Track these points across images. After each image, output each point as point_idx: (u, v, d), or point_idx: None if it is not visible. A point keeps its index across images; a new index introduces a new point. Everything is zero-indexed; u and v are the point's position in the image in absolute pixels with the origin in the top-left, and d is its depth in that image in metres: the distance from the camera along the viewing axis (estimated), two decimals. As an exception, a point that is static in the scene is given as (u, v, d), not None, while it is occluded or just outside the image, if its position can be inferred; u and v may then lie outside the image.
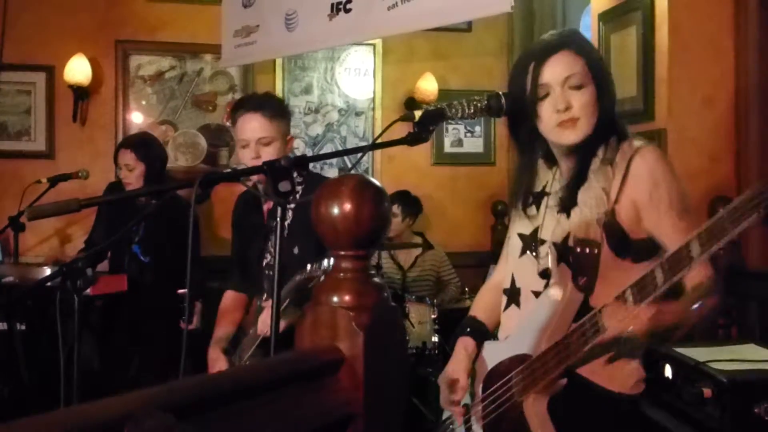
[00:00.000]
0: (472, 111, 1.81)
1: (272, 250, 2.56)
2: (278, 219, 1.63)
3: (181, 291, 3.88)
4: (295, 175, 2.46)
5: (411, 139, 1.77)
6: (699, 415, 2.18)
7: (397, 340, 1.32)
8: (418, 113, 1.77)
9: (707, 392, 2.16)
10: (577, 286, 1.78)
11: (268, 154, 2.50)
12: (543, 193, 1.94)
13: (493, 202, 5.47)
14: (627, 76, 3.43)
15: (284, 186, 1.62)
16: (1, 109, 5.08)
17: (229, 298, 2.84)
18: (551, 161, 1.96)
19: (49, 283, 3.49)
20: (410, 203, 4.89)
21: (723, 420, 2.08)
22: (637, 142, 1.83)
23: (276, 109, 2.60)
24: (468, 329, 2.02)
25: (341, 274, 1.28)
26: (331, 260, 2.05)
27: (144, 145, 3.96)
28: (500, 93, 1.83)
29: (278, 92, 5.30)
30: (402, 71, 5.51)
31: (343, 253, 1.28)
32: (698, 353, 2.41)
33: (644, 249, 1.79)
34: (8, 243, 4.52)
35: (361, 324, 1.23)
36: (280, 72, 5.40)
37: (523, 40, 5.60)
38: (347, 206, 1.25)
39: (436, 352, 4.19)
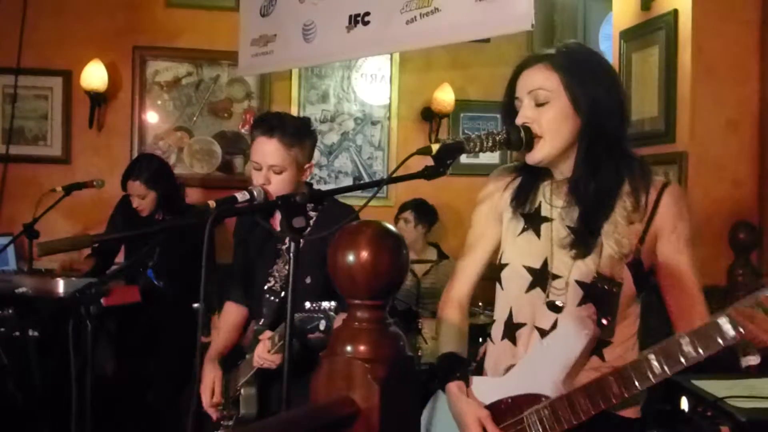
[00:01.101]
0: (490, 144, 1.78)
1: (277, 275, 2.51)
2: (291, 255, 1.60)
3: (196, 305, 3.89)
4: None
5: (428, 174, 1.74)
6: (717, 454, 2.14)
7: (413, 392, 1.29)
8: (435, 146, 1.74)
9: (725, 430, 2.12)
10: (601, 326, 1.76)
11: (279, 182, 2.40)
12: (540, 217, 1.87)
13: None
14: (648, 97, 3.39)
15: (298, 222, 1.60)
16: (18, 113, 5.09)
17: (231, 310, 2.75)
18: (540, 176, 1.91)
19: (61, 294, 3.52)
20: (424, 211, 4.87)
21: (742, 460, 2.04)
22: (657, 177, 1.82)
23: (294, 134, 2.44)
24: (457, 373, 1.92)
25: (357, 324, 1.26)
26: (332, 303, 2.04)
27: (149, 171, 3.98)
28: (520, 126, 1.80)
29: (294, 100, 5.30)
30: (419, 80, 5.48)
31: (359, 302, 1.26)
32: (717, 387, 2.36)
33: (650, 282, 1.85)
34: (23, 249, 4.52)
35: (377, 377, 1.21)
36: (296, 80, 5.38)
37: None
38: (364, 255, 1.22)
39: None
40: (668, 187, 1.79)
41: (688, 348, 1.55)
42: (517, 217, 1.92)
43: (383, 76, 5.50)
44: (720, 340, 1.53)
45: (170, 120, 5.28)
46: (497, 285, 1.97)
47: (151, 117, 5.25)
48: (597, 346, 1.79)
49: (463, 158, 5.73)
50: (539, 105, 1.79)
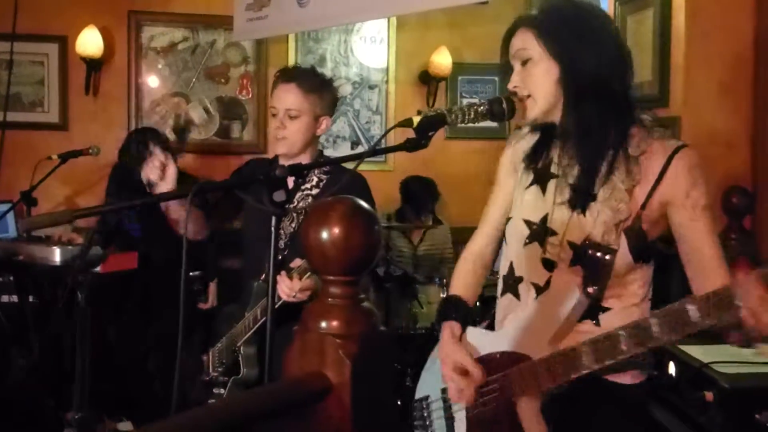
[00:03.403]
0: (473, 116, 1.77)
1: (282, 232, 2.52)
2: (273, 228, 1.61)
3: (192, 273, 3.92)
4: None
5: (410, 146, 1.74)
6: (701, 419, 2.17)
7: (385, 367, 1.31)
8: (416, 119, 1.74)
9: (709, 396, 2.14)
10: (586, 294, 1.74)
11: (294, 127, 2.47)
12: (548, 174, 1.85)
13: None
14: (643, 61, 3.35)
15: (279, 196, 1.60)
16: (15, 79, 5.06)
17: None
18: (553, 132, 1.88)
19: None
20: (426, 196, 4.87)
21: (725, 426, 2.06)
22: (671, 141, 1.74)
23: (313, 83, 2.51)
24: (454, 314, 1.94)
25: (330, 300, 1.27)
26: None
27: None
28: (503, 97, 1.79)
29: (291, 64, 5.25)
30: (416, 43, 5.43)
31: (332, 278, 1.27)
32: (703, 352, 2.38)
33: (653, 250, 1.78)
34: (22, 216, 4.54)
35: (349, 352, 1.22)
36: (293, 44, 5.35)
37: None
38: (336, 231, 1.23)
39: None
40: (680, 151, 1.70)
41: (656, 329, 1.52)
42: (528, 172, 1.91)
43: (382, 38, 5.46)
44: (687, 328, 1.48)
45: (167, 85, 5.26)
46: (503, 239, 1.97)
47: (148, 83, 5.23)
48: (592, 311, 1.75)
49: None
50: (524, 66, 1.79)
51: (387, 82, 5.47)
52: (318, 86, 2.53)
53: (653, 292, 1.84)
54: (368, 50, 5.47)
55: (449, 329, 1.92)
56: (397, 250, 4.78)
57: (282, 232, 2.51)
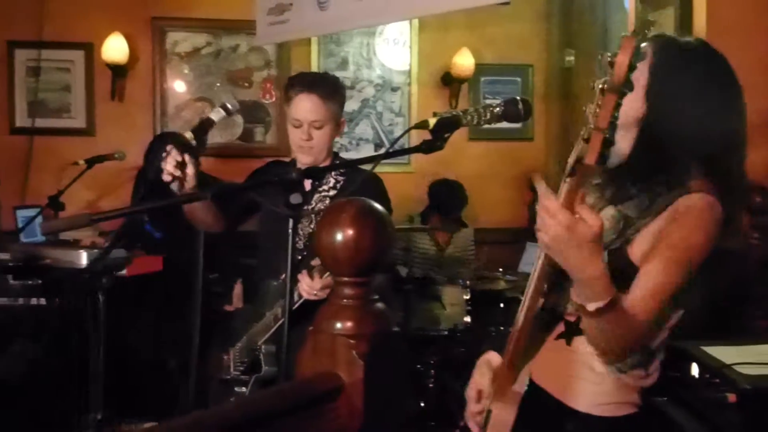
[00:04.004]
0: (488, 117, 1.78)
1: (300, 233, 2.55)
2: (290, 231, 1.63)
3: (211, 275, 3.95)
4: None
5: (425, 148, 1.75)
6: (721, 421, 2.14)
7: (397, 368, 1.32)
8: (432, 120, 1.75)
9: (731, 398, 2.11)
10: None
11: (321, 137, 2.51)
12: None
13: (530, 178, 5.41)
14: (663, 59, 3.33)
15: (295, 198, 1.62)
16: (42, 86, 5.15)
17: None
18: None
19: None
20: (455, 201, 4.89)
21: (744, 428, 2.04)
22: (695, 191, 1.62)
23: (331, 90, 2.55)
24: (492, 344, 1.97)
25: (342, 301, 1.28)
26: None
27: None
28: (518, 98, 1.79)
29: (313, 68, 5.28)
30: (438, 44, 5.44)
31: (344, 279, 1.28)
32: (727, 353, 2.35)
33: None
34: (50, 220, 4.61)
35: (361, 352, 1.23)
36: (315, 47, 5.37)
37: (561, 10, 5.48)
38: (347, 233, 1.25)
39: (468, 333, 4.19)
40: (691, 193, 1.59)
41: None
42: None
43: (404, 41, 5.47)
44: None
45: (191, 90, 5.31)
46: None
47: (172, 88, 5.29)
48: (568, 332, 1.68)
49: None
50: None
51: (409, 84, 5.48)
52: (335, 92, 2.57)
53: None
54: (390, 53, 5.48)
55: (487, 357, 1.92)
56: (421, 251, 4.79)
57: (300, 233, 2.54)
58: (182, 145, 1.96)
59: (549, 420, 1.73)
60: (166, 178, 2.03)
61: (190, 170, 2.09)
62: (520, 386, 1.73)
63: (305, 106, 2.50)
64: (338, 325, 1.26)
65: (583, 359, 1.68)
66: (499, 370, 1.77)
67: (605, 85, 1.36)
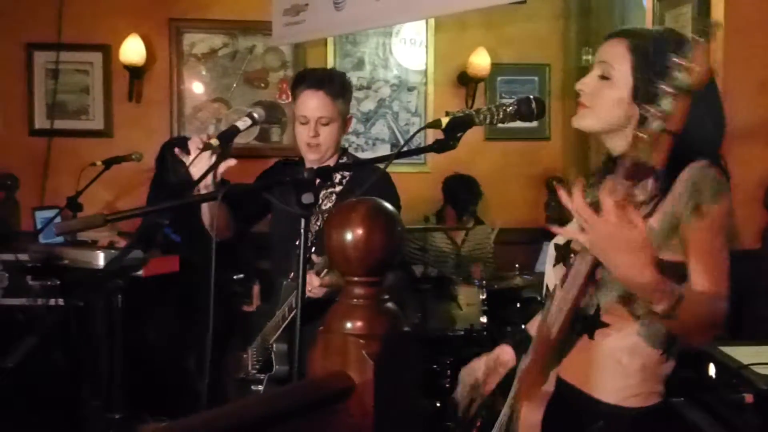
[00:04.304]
0: (501, 116, 1.76)
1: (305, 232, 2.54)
2: (302, 231, 1.63)
3: (236, 276, 3.96)
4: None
5: (438, 147, 1.75)
6: (738, 421, 2.13)
7: (409, 368, 1.31)
8: (445, 120, 1.74)
9: (749, 398, 2.10)
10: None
11: (327, 133, 2.50)
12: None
13: (546, 178, 5.39)
14: (681, 57, 3.30)
15: (307, 198, 1.61)
16: (60, 88, 5.19)
17: None
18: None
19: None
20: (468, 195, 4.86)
21: (762, 429, 2.02)
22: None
23: (338, 87, 2.54)
24: (510, 339, 2.00)
25: (353, 301, 1.28)
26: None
27: None
28: (531, 97, 1.78)
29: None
30: (454, 44, 5.42)
31: (355, 279, 1.28)
32: (743, 353, 2.34)
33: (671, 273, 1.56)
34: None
35: (372, 353, 1.23)
36: (331, 47, 5.38)
37: (578, 9, 5.45)
38: (357, 232, 1.25)
39: (484, 333, 4.18)
40: (693, 163, 1.60)
41: None
42: None
43: (421, 41, 5.46)
44: None
45: (207, 91, 5.34)
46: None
47: (189, 89, 5.31)
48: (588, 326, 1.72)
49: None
50: (603, 78, 1.74)
51: (425, 84, 5.47)
52: (341, 88, 2.55)
53: None
54: (407, 52, 5.47)
55: (499, 349, 1.99)
56: (438, 251, 4.78)
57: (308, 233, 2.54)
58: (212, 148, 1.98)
59: (577, 414, 1.73)
60: (197, 173, 2.04)
61: (219, 170, 2.11)
62: (550, 385, 1.73)
63: (312, 103, 2.50)
64: (349, 325, 1.26)
65: (609, 352, 1.70)
66: (526, 373, 1.77)
67: (676, 89, 1.39)
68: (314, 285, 2.26)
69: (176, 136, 5.04)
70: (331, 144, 2.52)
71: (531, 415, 1.74)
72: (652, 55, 1.66)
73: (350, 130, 2.66)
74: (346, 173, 2.56)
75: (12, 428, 3.57)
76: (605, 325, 1.68)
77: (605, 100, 1.73)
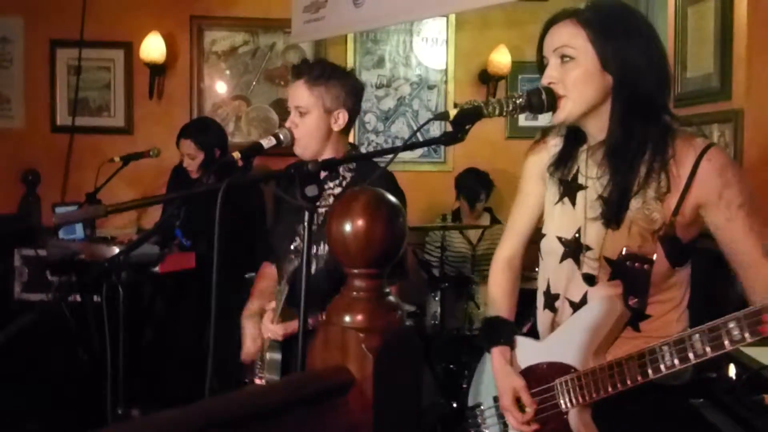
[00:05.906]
0: (510, 108, 1.73)
1: (301, 233, 2.51)
2: (305, 224, 1.60)
3: (248, 275, 3.94)
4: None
5: (446, 140, 1.71)
6: (758, 423, 2.07)
7: (409, 362, 1.28)
8: (453, 112, 1.71)
9: (768, 399, 2.05)
10: (628, 307, 1.72)
11: (304, 125, 2.36)
12: (576, 185, 1.82)
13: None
14: (704, 53, 3.25)
15: (311, 190, 1.59)
16: (82, 84, 5.22)
17: (267, 271, 2.67)
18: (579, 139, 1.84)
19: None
20: (478, 186, 4.81)
21: (783, 431, 1.97)
22: (697, 141, 1.69)
23: (319, 74, 2.36)
24: (502, 338, 1.94)
25: (354, 293, 1.25)
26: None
27: (202, 133, 4.05)
28: (542, 88, 1.74)
29: (349, 66, 5.25)
30: (475, 42, 5.38)
31: (355, 271, 1.25)
32: (765, 354, 2.28)
33: (690, 252, 1.76)
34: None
35: (372, 347, 1.21)
36: (351, 45, 5.36)
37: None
38: (358, 224, 1.22)
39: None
40: (707, 152, 1.65)
41: (697, 345, 1.50)
42: (556, 182, 1.88)
43: (442, 39, 5.42)
44: (727, 342, 1.46)
45: (228, 88, 5.34)
46: (539, 254, 1.95)
47: (210, 86, 5.32)
48: (632, 319, 1.75)
49: (521, 120, 5.65)
50: (564, 63, 1.72)
51: (446, 82, 5.43)
52: (322, 77, 2.37)
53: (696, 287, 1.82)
54: (428, 51, 5.43)
55: (501, 356, 1.92)
56: (455, 250, 4.74)
57: (300, 234, 2.48)
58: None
59: (627, 395, 1.70)
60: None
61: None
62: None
63: (292, 92, 2.41)
64: (348, 318, 1.24)
65: (654, 339, 1.67)
66: (589, 381, 1.73)
67: None
68: (270, 328, 2.32)
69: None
70: (310, 137, 2.38)
71: (585, 415, 1.75)
72: (603, 21, 1.70)
73: (341, 124, 2.42)
74: (347, 173, 2.44)
75: (36, 428, 3.60)
76: (647, 316, 1.73)
77: (577, 80, 1.71)
